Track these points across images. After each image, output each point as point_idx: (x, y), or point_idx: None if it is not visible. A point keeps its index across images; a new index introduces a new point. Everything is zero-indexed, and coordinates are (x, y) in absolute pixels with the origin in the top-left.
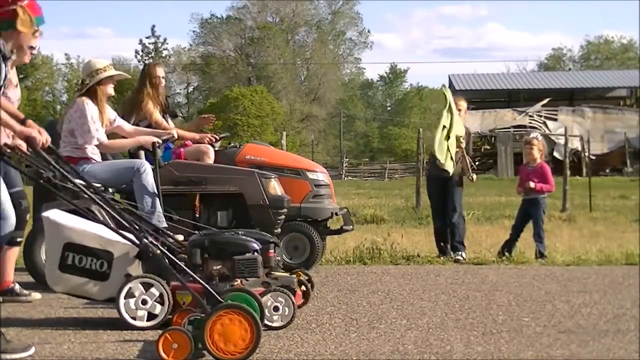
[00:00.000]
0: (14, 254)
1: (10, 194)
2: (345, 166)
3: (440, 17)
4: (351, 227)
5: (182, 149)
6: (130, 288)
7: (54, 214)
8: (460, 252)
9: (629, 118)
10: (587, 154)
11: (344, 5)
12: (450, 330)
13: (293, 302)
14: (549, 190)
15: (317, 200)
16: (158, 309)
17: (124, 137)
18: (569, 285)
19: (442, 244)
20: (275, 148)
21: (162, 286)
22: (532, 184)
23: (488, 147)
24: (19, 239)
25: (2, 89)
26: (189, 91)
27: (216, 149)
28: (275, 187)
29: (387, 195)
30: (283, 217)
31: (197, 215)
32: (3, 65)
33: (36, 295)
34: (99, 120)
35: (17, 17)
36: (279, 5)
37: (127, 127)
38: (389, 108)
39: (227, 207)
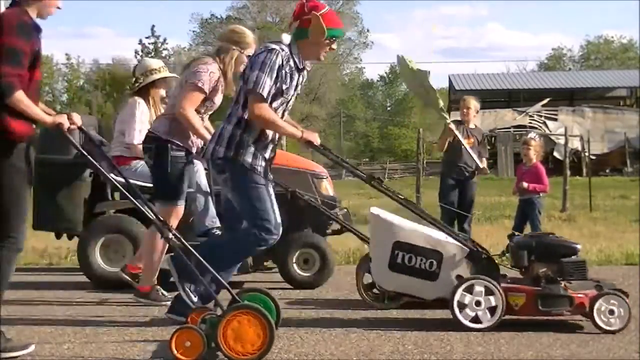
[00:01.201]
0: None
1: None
2: None
3: (440, 17)
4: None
5: None
6: (464, 290)
7: (383, 212)
8: None
9: (629, 118)
10: (587, 154)
11: (344, 6)
12: (450, 330)
13: (627, 304)
14: (543, 191)
15: None
16: (491, 310)
17: None
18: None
19: None
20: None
21: (496, 288)
22: (525, 185)
23: (488, 147)
24: None
25: (283, 98)
26: None
27: None
28: (327, 187)
29: None
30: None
31: None
32: (296, 76)
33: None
34: (147, 121)
35: (310, 25)
36: (278, 5)
37: None
38: (389, 108)
39: (280, 206)
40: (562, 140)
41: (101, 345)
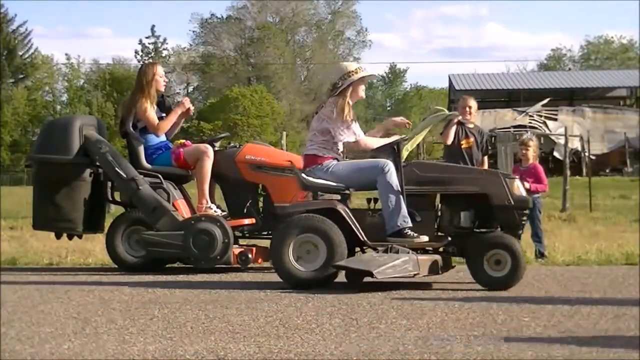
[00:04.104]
0: None
1: None
2: None
3: (440, 17)
4: None
5: (181, 149)
6: None
7: None
8: None
9: (629, 118)
10: (587, 154)
11: (343, 5)
12: (450, 330)
13: None
14: (543, 190)
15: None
16: None
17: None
18: (569, 285)
19: None
20: (276, 148)
21: None
22: (526, 185)
23: (488, 147)
24: None
25: None
26: (189, 91)
27: (216, 148)
28: (518, 187)
29: None
30: (526, 218)
31: (438, 216)
32: None
33: None
34: (352, 120)
35: None
36: (278, 5)
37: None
38: (388, 108)
39: (470, 207)
40: (562, 140)
41: (101, 345)
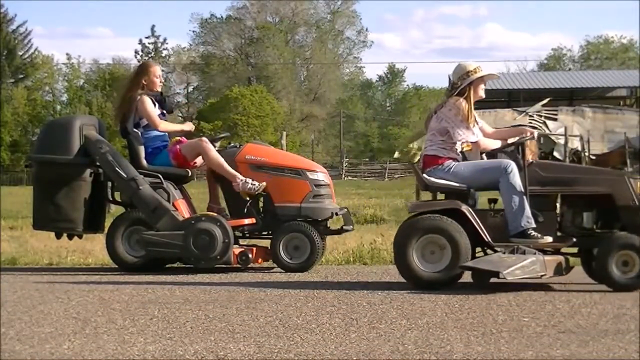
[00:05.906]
0: None
1: None
2: (345, 166)
3: (440, 17)
4: (351, 227)
5: (177, 146)
6: None
7: None
8: None
9: (629, 118)
10: (587, 154)
11: (343, 5)
12: (450, 330)
13: None
14: None
15: (317, 200)
16: None
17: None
18: (569, 285)
19: None
20: (275, 148)
21: None
22: None
23: None
24: None
25: None
26: (189, 91)
27: (216, 149)
28: None
29: (387, 195)
30: None
31: (560, 216)
32: None
33: None
34: (473, 120)
35: None
36: (278, 5)
37: (488, 129)
38: (388, 108)
39: (593, 208)
40: (562, 140)
41: (101, 345)
